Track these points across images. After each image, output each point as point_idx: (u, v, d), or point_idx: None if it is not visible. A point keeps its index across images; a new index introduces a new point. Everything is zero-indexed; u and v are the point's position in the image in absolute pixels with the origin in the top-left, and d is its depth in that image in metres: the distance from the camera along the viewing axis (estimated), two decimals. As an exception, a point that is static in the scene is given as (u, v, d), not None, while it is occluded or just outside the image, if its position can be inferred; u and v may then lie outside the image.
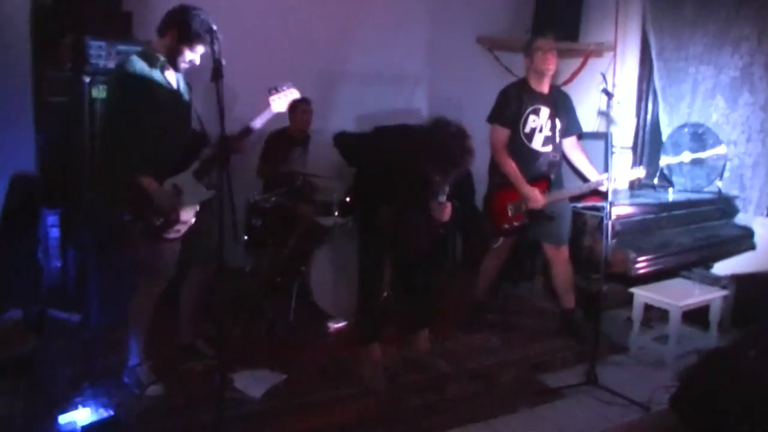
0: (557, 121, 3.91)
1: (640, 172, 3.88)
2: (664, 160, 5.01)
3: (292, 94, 3.26)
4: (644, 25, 5.28)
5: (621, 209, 4.12)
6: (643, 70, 5.40)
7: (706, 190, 4.78)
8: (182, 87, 3.11)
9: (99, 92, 3.61)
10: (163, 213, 2.92)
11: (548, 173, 3.93)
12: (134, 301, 3.14)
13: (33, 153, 4.14)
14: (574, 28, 5.62)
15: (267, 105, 3.20)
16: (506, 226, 3.88)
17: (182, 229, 3.02)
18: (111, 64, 3.62)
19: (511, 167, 3.79)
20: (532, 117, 3.86)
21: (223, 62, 2.45)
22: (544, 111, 3.88)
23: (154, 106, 2.89)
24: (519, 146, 3.86)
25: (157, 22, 2.99)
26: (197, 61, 3.00)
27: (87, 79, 3.63)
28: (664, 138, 5.08)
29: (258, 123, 3.15)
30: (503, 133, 3.85)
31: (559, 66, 4.06)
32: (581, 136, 4.12)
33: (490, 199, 3.93)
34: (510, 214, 3.86)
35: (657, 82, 5.18)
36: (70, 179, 3.99)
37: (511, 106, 3.84)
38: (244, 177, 4.73)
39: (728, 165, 4.72)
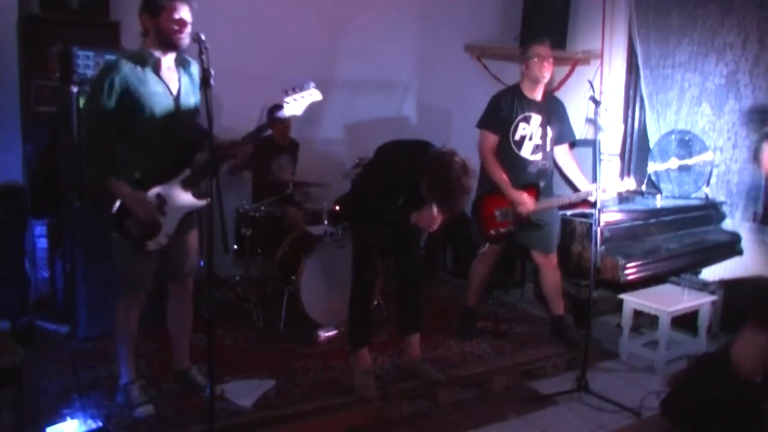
0: (549, 129, 3.90)
1: (631, 184, 3.81)
2: (652, 167, 5.04)
3: (311, 95, 2.75)
4: (631, 32, 5.33)
5: (609, 216, 4.13)
6: (630, 77, 5.45)
7: (693, 196, 4.82)
8: (185, 83, 2.89)
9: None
10: (140, 222, 2.79)
11: (537, 181, 3.92)
12: (115, 315, 3.03)
13: (20, 163, 4.12)
14: (561, 36, 5.66)
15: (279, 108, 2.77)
16: (493, 232, 3.89)
17: (163, 241, 2.89)
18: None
19: (499, 173, 3.80)
20: (522, 125, 3.86)
21: (212, 72, 2.44)
22: (536, 119, 3.88)
23: (140, 111, 2.74)
24: (508, 153, 3.86)
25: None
26: (188, 22, 2.71)
27: (75, 89, 3.61)
28: (651, 145, 5.12)
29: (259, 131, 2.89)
30: (492, 139, 3.85)
31: (547, 73, 4.08)
32: (574, 144, 4.12)
33: (479, 205, 3.93)
34: (498, 220, 3.86)
35: (644, 89, 5.23)
36: (58, 189, 3.97)
37: (502, 113, 3.83)
38: (233, 185, 4.74)
39: (715, 171, 4.76)
